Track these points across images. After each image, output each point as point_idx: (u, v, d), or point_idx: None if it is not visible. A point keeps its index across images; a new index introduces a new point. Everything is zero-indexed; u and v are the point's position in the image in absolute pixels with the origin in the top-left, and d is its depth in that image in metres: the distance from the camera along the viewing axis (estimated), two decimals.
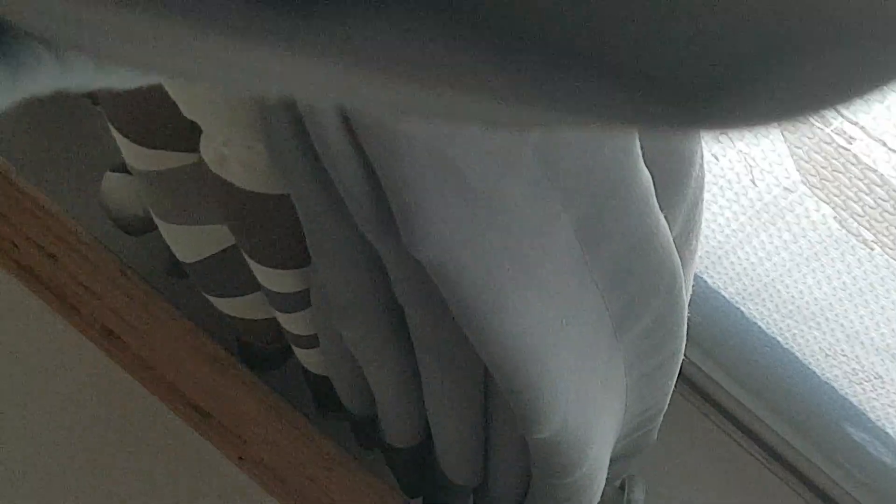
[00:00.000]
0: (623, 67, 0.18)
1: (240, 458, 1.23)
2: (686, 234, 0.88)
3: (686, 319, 0.91)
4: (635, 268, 0.81)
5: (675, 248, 0.83)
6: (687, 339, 0.94)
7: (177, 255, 1.03)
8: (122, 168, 1.21)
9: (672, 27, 0.17)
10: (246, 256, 0.91)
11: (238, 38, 0.19)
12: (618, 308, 0.83)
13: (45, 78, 0.31)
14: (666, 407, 1.07)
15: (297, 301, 0.95)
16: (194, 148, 0.84)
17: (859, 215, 0.99)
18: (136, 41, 0.24)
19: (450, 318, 0.78)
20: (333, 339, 0.96)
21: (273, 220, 0.85)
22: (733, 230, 1.14)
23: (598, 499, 1.04)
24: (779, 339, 1.26)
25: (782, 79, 0.18)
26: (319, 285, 0.89)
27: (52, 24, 0.26)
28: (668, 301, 0.86)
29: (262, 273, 0.92)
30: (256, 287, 1.00)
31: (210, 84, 0.33)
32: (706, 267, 1.22)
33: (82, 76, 0.32)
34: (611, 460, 1.05)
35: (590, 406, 0.87)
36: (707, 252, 1.19)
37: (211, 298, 1.09)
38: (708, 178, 0.89)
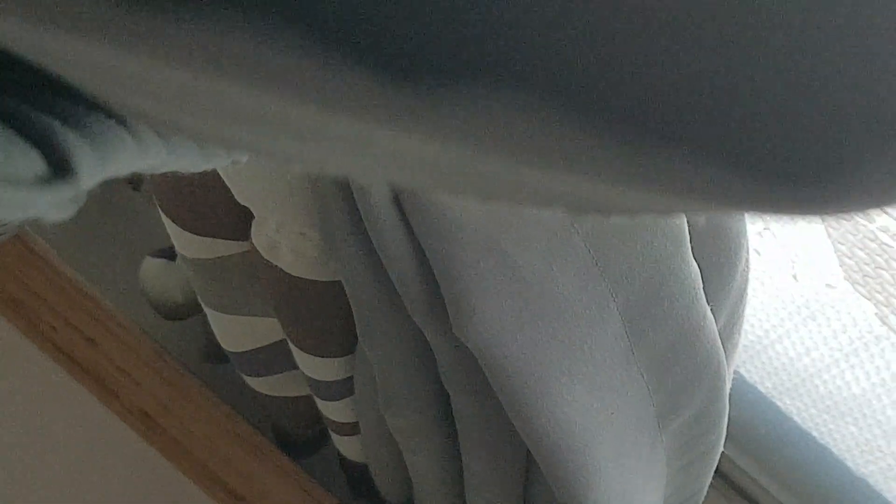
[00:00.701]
0: (746, 155, 0.18)
1: None
2: (730, 328, 0.88)
3: (727, 411, 0.91)
4: (681, 359, 0.81)
5: (720, 341, 0.83)
6: None
7: (222, 343, 1.03)
8: (162, 253, 1.22)
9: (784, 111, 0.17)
10: (291, 345, 0.92)
11: (364, 115, 0.19)
12: (662, 399, 0.83)
13: (126, 159, 0.31)
14: (703, 499, 1.06)
15: (341, 389, 0.95)
16: (245, 236, 0.85)
17: None
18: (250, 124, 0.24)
19: (495, 406, 0.78)
20: (376, 427, 0.96)
21: (321, 308, 0.86)
22: (773, 325, 1.14)
23: None
24: (814, 433, 1.26)
25: None
26: (366, 372, 0.89)
27: (162, 111, 0.27)
28: (711, 394, 0.86)
29: (306, 361, 0.92)
30: (294, 366, 1.00)
31: (292, 163, 0.34)
32: (743, 361, 1.22)
33: (156, 158, 0.33)
34: None
35: (632, 496, 0.87)
36: (745, 346, 1.19)
37: (248, 379, 1.09)
38: (750, 273, 0.89)
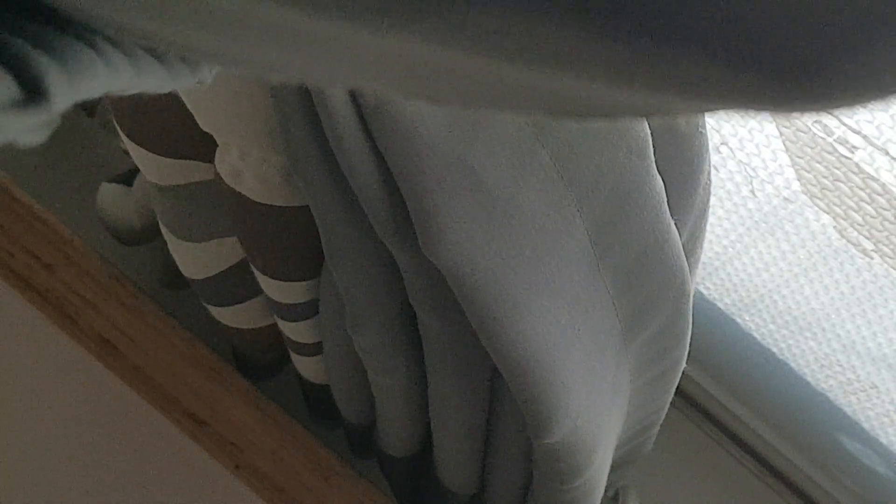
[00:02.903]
0: (727, 47, 0.18)
1: (236, 466, 1.23)
2: (692, 242, 0.88)
3: (690, 327, 0.91)
4: (646, 273, 0.81)
5: (684, 255, 0.83)
6: None
7: (184, 272, 1.03)
8: (119, 178, 1.21)
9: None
10: (255, 270, 0.91)
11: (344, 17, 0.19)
12: (628, 313, 0.84)
13: (97, 80, 0.31)
14: (664, 416, 1.07)
15: (304, 310, 0.95)
16: (212, 158, 0.84)
17: (860, 225, 1.00)
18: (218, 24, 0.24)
19: (462, 323, 0.78)
20: (340, 347, 0.96)
21: (285, 233, 0.85)
22: (731, 241, 1.15)
23: None
24: (773, 349, 1.27)
25: (887, 50, 0.18)
26: (331, 292, 0.89)
27: (128, 17, 0.27)
28: (676, 308, 0.87)
29: (271, 285, 0.92)
30: (256, 293, 1.00)
31: (272, 73, 0.33)
32: (702, 278, 1.23)
33: (124, 79, 0.33)
34: None
35: (598, 411, 0.88)
36: (703, 263, 1.20)
37: (210, 308, 1.09)
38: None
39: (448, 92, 0.27)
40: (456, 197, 0.70)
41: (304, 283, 0.91)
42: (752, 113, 0.21)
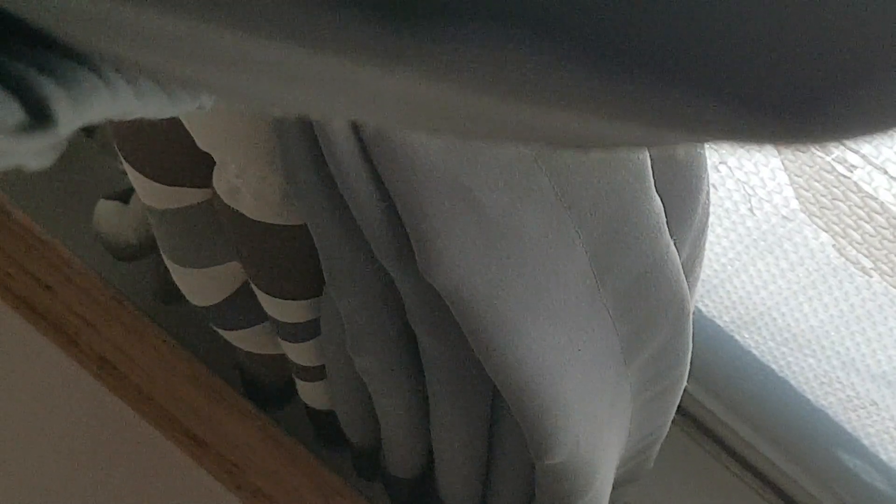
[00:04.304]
0: (732, 86, 0.18)
1: (237, 486, 1.22)
2: (692, 261, 0.88)
3: (691, 345, 0.91)
4: (646, 294, 0.82)
5: (683, 275, 0.84)
6: None
7: (191, 300, 1.03)
8: (115, 196, 1.21)
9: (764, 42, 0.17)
10: (255, 289, 0.92)
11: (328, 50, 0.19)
12: (627, 333, 0.84)
13: (100, 105, 0.31)
14: (665, 434, 1.07)
15: (306, 331, 0.95)
16: (208, 184, 0.84)
17: (858, 243, 1.00)
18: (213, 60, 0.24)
19: (462, 346, 0.78)
20: (342, 369, 0.96)
21: (284, 252, 0.85)
22: (730, 259, 1.15)
23: None
24: (773, 367, 1.27)
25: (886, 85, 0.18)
26: (332, 313, 0.89)
27: (116, 42, 0.27)
28: (676, 326, 0.87)
29: (271, 304, 0.92)
30: (265, 318, 1.00)
31: (271, 108, 0.34)
32: (701, 296, 1.23)
33: (126, 104, 0.33)
34: None
35: (599, 431, 0.88)
36: (702, 280, 1.20)
37: (219, 331, 1.09)
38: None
39: (447, 126, 0.27)
40: (454, 220, 0.70)
41: (304, 301, 0.91)
42: (754, 147, 0.21)
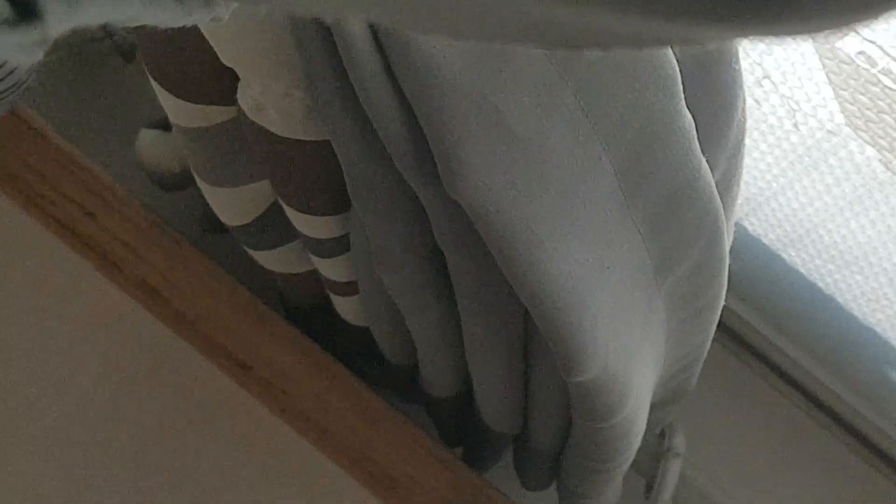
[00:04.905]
0: None
1: (282, 410, 1.23)
2: (727, 181, 0.87)
3: (727, 266, 0.90)
4: (677, 212, 0.81)
5: (717, 193, 0.82)
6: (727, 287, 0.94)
7: (221, 218, 1.03)
8: (157, 124, 1.21)
9: None
10: (284, 205, 0.91)
11: None
12: (659, 252, 0.83)
13: (98, 7, 0.30)
14: (706, 353, 1.06)
15: (336, 246, 0.95)
16: (234, 101, 0.84)
17: None
18: None
19: (490, 263, 0.78)
20: (373, 286, 0.96)
21: (311, 167, 0.85)
22: (774, 176, 1.13)
23: (637, 444, 1.04)
24: (819, 284, 1.26)
25: None
26: (359, 230, 0.89)
27: None
28: (709, 246, 0.86)
29: (301, 221, 0.92)
30: (295, 236, 1.00)
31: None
32: (746, 214, 1.22)
33: (131, 9, 0.32)
34: (651, 407, 1.05)
35: (630, 350, 0.87)
36: (747, 199, 1.18)
37: (250, 252, 1.09)
38: (749, 123, 0.88)
39: (467, 25, 0.27)
40: (478, 135, 0.69)
41: (333, 217, 0.91)
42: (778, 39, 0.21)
